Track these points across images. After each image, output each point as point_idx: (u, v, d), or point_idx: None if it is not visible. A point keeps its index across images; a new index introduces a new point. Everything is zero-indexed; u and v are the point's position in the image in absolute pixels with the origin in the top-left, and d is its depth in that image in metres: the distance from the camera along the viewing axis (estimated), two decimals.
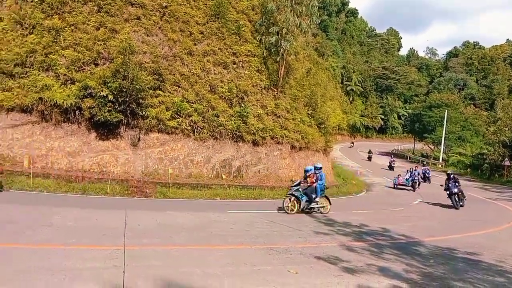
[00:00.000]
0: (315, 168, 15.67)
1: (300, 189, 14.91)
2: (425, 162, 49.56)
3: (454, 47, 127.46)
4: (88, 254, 7.10)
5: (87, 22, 20.21)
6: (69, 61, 18.83)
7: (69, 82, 18.56)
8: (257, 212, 14.79)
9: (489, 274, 7.92)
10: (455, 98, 73.11)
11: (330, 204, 15.56)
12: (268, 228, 11.53)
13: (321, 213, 15.14)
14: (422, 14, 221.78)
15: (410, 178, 29.83)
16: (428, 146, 67.41)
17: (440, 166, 54.66)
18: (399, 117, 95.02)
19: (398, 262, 8.44)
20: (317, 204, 15.16)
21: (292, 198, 14.77)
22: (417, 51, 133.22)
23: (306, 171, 15.63)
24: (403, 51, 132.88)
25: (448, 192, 20.31)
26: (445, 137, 57.65)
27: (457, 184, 20.34)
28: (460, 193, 20.25)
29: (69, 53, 18.95)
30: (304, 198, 14.83)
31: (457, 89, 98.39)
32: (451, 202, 20.25)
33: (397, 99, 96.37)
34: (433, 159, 60.48)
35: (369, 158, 54.46)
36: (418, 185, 30.29)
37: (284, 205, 14.73)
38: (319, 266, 7.58)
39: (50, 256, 6.74)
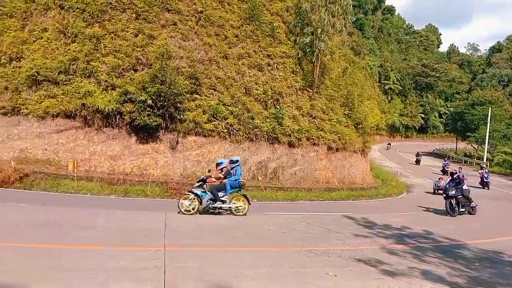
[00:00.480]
0: (231, 161, 13.36)
1: (206, 186, 13.07)
2: (483, 165, 39.28)
3: (497, 42, 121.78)
4: (130, 255, 7.29)
5: (126, 29, 20.85)
6: (110, 68, 19.49)
7: (110, 88, 19.22)
8: (294, 214, 14.74)
9: None
10: (499, 95, 69.92)
11: (249, 204, 13.20)
12: (306, 230, 11.44)
13: (234, 214, 12.85)
14: (462, 9, 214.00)
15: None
16: (471, 146, 64.75)
17: (484, 166, 52.42)
18: (440, 116, 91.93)
19: (441, 265, 8.16)
20: (226, 204, 12.94)
21: (192, 196, 12.83)
22: (457, 47, 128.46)
23: (218, 164, 13.56)
24: (443, 48, 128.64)
25: (444, 195, 16.75)
26: (489, 136, 55.21)
27: (459, 186, 16.63)
28: (461, 196, 16.44)
29: (110, 60, 19.61)
30: (207, 197, 12.84)
31: (501, 85, 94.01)
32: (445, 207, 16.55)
33: (437, 97, 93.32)
34: (476, 159, 58.08)
35: (417, 162, 49.47)
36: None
37: (179, 205, 12.70)
38: (359, 269, 7.43)
39: (94, 256, 6.97)
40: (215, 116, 20.68)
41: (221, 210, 13.01)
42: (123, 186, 17.22)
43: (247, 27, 24.74)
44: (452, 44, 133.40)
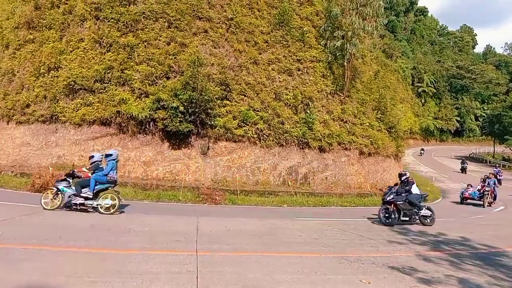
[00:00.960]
0: (106, 155, 12.73)
1: (72, 181, 12.30)
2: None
3: None
4: (163, 259, 7.42)
5: (158, 38, 21.33)
6: (143, 76, 19.98)
7: (143, 95, 19.70)
8: (326, 220, 14.57)
9: None
10: None
11: (120, 202, 12.33)
12: (338, 236, 11.30)
13: (101, 213, 11.97)
14: (499, 8, 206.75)
15: (480, 190, 23.12)
16: (510, 149, 62.33)
17: None
18: (476, 119, 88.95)
19: (479, 273, 7.87)
20: (90, 200, 12.13)
21: (55, 191, 12.20)
22: (494, 48, 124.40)
23: (90, 157, 12.89)
24: (479, 49, 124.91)
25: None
26: None
27: (403, 191, 14.29)
28: (401, 202, 13.93)
29: (143, 68, 20.10)
30: (69, 192, 12.13)
31: None
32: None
33: (473, 99, 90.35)
34: None
35: (463, 170, 42.93)
36: (493, 198, 23.13)
37: (42, 201, 12.09)
38: (393, 277, 7.28)
39: (129, 261, 7.13)
40: (245, 121, 20.81)
41: (85, 207, 12.17)
42: (156, 191, 17.56)
43: (277, 32, 24.80)
44: (488, 44, 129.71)
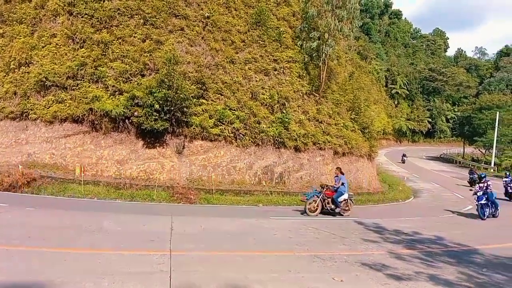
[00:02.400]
0: None
1: None
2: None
3: (505, 46, 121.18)
4: (136, 259, 7.33)
5: (133, 34, 21.02)
6: (117, 73, 19.65)
7: (117, 92, 19.38)
8: (300, 219, 14.70)
9: None
10: (507, 99, 69.45)
11: None
12: (312, 235, 11.42)
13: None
14: (470, 13, 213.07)
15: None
16: (479, 150, 64.33)
17: (492, 170, 52.03)
18: (447, 120, 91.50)
19: (449, 270, 8.11)
20: None
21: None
22: (465, 52, 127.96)
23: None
24: (450, 52, 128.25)
25: None
26: (497, 140, 54.83)
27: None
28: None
29: (117, 65, 19.77)
30: None
31: (509, 89, 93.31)
32: None
33: (445, 101, 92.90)
34: (484, 163, 57.68)
35: (472, 183, 32.08)
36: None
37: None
38: (365, 275, 7.41)
39: (100, 260, 7.02)
40: (221, 120, 20.75)
41: None
42: (129, 191, 17.31)
43: (253, 32, 24.83)
44: (460, 48, 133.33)
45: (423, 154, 70.09)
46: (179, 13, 22.67)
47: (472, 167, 33.53)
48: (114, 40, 20.54)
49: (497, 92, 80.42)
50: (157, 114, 18.51)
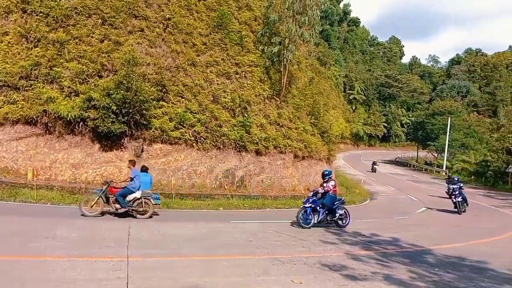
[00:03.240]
0: None
1: None
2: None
3: (457, 55, 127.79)
4: (92, 266, 7.12)
5: (91, 34, 20.43)
6: (74, 74, 19.01)
7: (73, 94, 18.73)
8: (261, 222, 14.76)
9: (495, 282, 7.87)
10: (458, 105, 73.10)
11: None
12: (272, 238, 11.51)
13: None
14: (424, 23, 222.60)
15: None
16: (432, 154, 67.20)
17: (443, 174, 54.42)
18: (402, 125, 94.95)
19: (403, 270, 8.40)
20: None
21: None
22: (419, 59, 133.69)
23: None
24: (405, 59, 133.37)
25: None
26: (448, 145, 57.50)
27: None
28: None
29: (74, 66, 19.14)
30: None
31: (460, 96, 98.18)
32: None
33: (400, 107, 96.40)
34: (436, 167, 60.27)
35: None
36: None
37: None
38: (323, 276, 7.55)
39: (54, 268, 6.76)
40: (182, 123, 20.53)
41: None
42: (85, 195, 16.75)
43: (215, 35, 24.78)
44: (414, 56, 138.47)
45: (379, 158, 72.21)
46: (139, 14, 22.26)
47: (450, 175, 30.19)
48: (70, 39, 19.87)
49: (449, 99, 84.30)
50: (115, 117, 18.04)
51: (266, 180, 22.96)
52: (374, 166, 49.83)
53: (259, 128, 23.30)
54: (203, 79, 22.76)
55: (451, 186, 20.56)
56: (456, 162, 57.34)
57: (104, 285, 6.11)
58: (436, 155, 65.92)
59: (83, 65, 19.32)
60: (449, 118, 59.71)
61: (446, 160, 58.10)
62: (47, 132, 18.50)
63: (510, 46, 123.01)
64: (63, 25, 20.18)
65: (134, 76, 18.59)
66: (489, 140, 50.65)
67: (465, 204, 20.90)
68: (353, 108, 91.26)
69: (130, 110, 18.30)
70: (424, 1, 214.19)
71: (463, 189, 20.95)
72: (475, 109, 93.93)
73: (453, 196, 20.35)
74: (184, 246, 9.50)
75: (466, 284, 7.59)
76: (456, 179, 20.93)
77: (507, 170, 41.25)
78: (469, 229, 16.60)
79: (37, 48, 19.33)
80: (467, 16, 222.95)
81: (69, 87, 18.74)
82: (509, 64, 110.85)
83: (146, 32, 22.08)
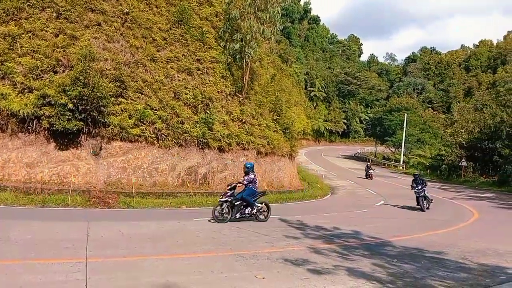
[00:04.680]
0: None
1: None
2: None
3: (412, 53, 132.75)
4: (49, 268, 6.85)
5: (45, 28, 19.60)
6: (27, 69, 18.17)
7: (26, 90, 17.90)
8: None
9: (451, 271, 8.22)
10: (414, 102, 75.93)
11: None
12: (235, 234, 11.51)
13: None
14: (381, 22, 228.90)
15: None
16: (389, 149, 69.43)
17: (401, 168, 56.34)
18: (361, 121, 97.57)
19: (363, 262, 8.62)
20: None
21: None
22: (377, 57, 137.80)
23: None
24: (364, 57, 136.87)
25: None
26: (405, 140, 59.61)
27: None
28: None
29: (27, 61, 18.30)
30: None
31: (416, 93, 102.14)
32: None
33: (358, 103, 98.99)
34: (394, 161, 62.28)
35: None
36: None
37: None
38: (286, 271, 7.63)
39: (7, 272, 6.46)
40: (142, 120, 20.09)
41: None
42: (41, 196, 16.09)
43: (175, 30, 24.41)
44: (372, 54, 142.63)
45: (339, 153, 73.97)
46: (95, 7, 21.58)
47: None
48: (23, 33, 18.97)
49: (405, 95, 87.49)
50: (71, 114, 17.41)
51: (229, 177, 22.91)
52: (370, 171, 40.31)
53: (221, 125, 23.19)
54: (164, 75, 22.39)
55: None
56: (413, 156, 59.60)
57: (62, 287, 5.90)
58: (393, 150, 68.20)
59: (37, 60, 18.51)
60: (406, 114, 61.89)
61: (403, 154, 60.15)
62: None
63: (462, 45, 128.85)
64: (14, 18, 19.26)
65: (91, 72, 17.99)
66: (443, 135, 52.85)
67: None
68: (314, 105, 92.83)
69: (88, 107, 17.72)
70: (382, 0, 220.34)
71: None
72: (430, 106, 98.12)
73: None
74: (146, 246, 9.33)
75: (424, 274, 7.87)
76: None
77: (460, 164, 43.26)
78: (425, 221, 17.27)
79: None
80: (423, 15, 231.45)
81: (22, 83, 17.90)
82: (462, 62, 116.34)
83: (104, 26, 21.44)
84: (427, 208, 20.08)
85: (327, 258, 8.86)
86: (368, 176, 40.09)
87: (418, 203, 20.17)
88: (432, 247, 10.71)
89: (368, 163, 45.03)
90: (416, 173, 22.19)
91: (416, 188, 20.04)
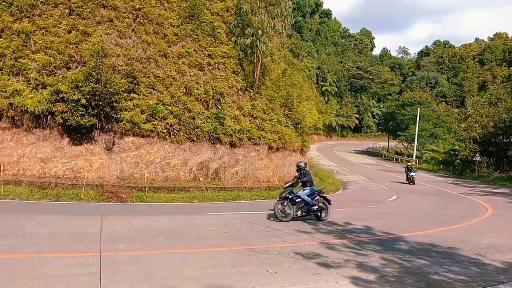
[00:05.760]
0: None
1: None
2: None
3: (426, 46, 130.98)
4: (63, 261, 6.96)
5: (58, 25, 19.80)
6: (40, 65, 18.40)
7: (40, 86, 18.12)
8: (236, 213, 14.77)
9: (463, 266, 8.15)
10: (427, 96, 74.84)
11: None
12: (247, 229, 11.55)
13: None
14: (394, 15, 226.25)
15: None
16: (402, 144, 68.73)
17: (414, 163, 55.79)
18: (373, 116, 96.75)
19: (376, 257, 8.59)
20: None
21: None
22: (389, 51, 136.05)
23: None
24: (376, 51, 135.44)
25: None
26: (418, 135, 58.90)
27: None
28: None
29: (40, 57, 18.52)
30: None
31: (429, 87, 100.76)
32: None
33: (371, 98, 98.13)
34: (407, 156, 61.72)
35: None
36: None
37: None
38: (297, 265, 7.64)
39: (23, 265, 6.58)
40: (154, 116, 20.20)
41: None
42: (55, 190, 16.34)
43: (187, 25, 24.44)
44: (384, 47, 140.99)
45: (351, 148, 73.53)
46: (107, 3, 21.70)
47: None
48: (36, 30, 19.19)
49: (418, 90, 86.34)
50: (84, 109, 17.59)
51: (240, 172, 22.96)
52: (411, 174, 31.57)
53: (233, 120, 23.20)
54: (175, 70, 22.46)
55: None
56: (426, 151, 58.97)
57: (76, 280, 5.99)
58: (406, 145, 67.47)
59: (50, 57, 18.71)
60: (419, 108, 61.12)
61: (416, 149, 59.56)
62: (14, 126, 17.86)
63: (476, 38, 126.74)
64: (28, 15, 19.48)
65: (103, 68, 18.14)
66: (457, 130, 52.09)
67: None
68: (326, 99, 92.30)
69: (100, 103, 17.87)
70: None
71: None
72: (444, 100, 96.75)
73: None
74: (159, 240, 9.42)
75: (436, 269, 7.82)
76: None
77: (474, 159, 42.68)
78: (439, 216, 17.12)
79: (1, 39, 18.59)
80: (436, 9, 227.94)
81: (35, 79, 18.13)
82: (476, 55, 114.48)
83: (116, 22, 21.57)
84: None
85: (339, 253, 8.85)
86: (410, 180, 31.47)
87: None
88: (445, 242, 10.63)
89: (409, 164, 36.09)
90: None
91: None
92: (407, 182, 31.76)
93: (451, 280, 7.07)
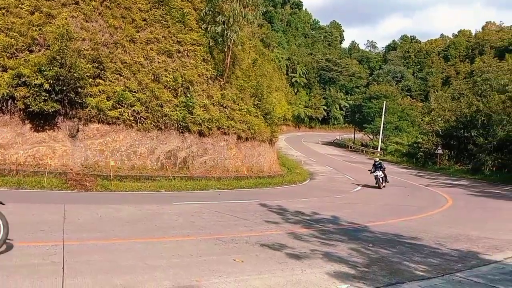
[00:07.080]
0: None
1: None
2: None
3: (393, 41, 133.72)
4: (25, 251, 6.74)
5: (20, 5, 18.90)
6: (0, 47, 17.54)
7: (0, 69, 17.33)
8: (203, 203, 14.72)
9: (425, 255, 8.44)
10: (393, 89, 76.72)
11: None
12: (215, 218, 11.53)
13: None
14: (363, 9, 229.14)
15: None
16: (368, 136, 70.28)
17: (378, 155, 57.19)
18: (340, 108, 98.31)
19: (340, 247, 8.77)
20: None
21: None
22: (358, 44, 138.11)
23: None
24: (345, 44, 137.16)
25: None
26: (383, 127, 60.38)
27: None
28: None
29: (0, 39, 17.65)
30: None
31: (395, 81, 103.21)
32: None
33: (339, 90, 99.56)
34: (372, 148, 63.19)
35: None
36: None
37: None
38: (264, 254, 7.70)
39: None
40: (120, 103, 19.71)
41: None
42: (15, 178, 15.74)
43: (156, 11, 23.90)
44: (353, 40, 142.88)
45: (319, 139, 74.59)
46: None
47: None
48: None
49: (384, 83, 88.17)
50: (47, 95, 16.95)
51: (209, 161, 22.85)
52: (376, 174, 24.49)
53: (202, 109, 22.98)
54: (143, 56, 21.96)
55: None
56: (390, 143, 60.56)
57: (37, 270, 5.81)
58: (371, 137, 69.02)
59: (11, 38, 17.86)
60: (385, 102, 62.57)
61: (381, 142, 61.05)
62: None
63: (441, 34, 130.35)
64: None
65: (68, 52, 17.51)
66: (421, 123, 53.79)
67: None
68: (295, 90, 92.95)
69: (64, 88, 17.27)
70: None
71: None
72: (409, 94, 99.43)
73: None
74: (124, 229, 9.27)
75: (399, 258, 8.07)
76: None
77: (436, 152, 44.21)
78: (402, 207, 17.66)
79: None
80: (410, 4, 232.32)
81: None
82: (441, 51, 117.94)
83: (81, 5, 20.82)
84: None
85: (306, 242, 8.99)
86: (377, 182, 24.76)
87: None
88: (407, 232, 10.98)
89: (376, 160, 26.22)
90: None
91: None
92: (376, 185, 24.54)
93: (411, 268, 7.32)
